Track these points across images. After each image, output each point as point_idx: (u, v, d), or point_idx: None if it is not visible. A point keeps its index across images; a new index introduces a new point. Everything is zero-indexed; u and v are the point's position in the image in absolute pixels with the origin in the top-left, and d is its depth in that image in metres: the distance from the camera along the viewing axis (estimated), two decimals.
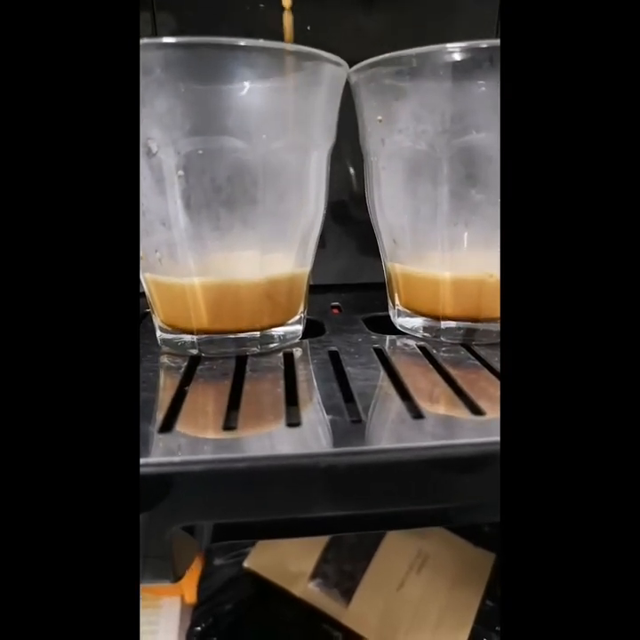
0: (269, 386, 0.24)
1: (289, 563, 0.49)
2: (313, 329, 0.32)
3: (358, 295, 0.40)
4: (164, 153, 0.24)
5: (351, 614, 0.47)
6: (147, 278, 0.28)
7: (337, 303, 0.38)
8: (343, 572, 0.49)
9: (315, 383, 0.24)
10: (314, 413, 0.21)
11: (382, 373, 0.25)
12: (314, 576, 0.48)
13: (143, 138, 0.24)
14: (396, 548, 0.51)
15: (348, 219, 0.44)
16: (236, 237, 0.25)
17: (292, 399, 0.23)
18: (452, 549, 0.51)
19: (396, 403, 0.22)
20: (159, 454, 0.19)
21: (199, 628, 0.48)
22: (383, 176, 0.29)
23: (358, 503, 0.19)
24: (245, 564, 0.49)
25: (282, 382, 0.24)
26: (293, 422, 0.21)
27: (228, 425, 0.20)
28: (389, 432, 0.20)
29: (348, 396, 0.23)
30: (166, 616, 0.51)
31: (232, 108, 0.23)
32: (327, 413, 0.21)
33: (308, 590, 0.48)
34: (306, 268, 0.29)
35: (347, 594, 0.48)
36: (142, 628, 0.49)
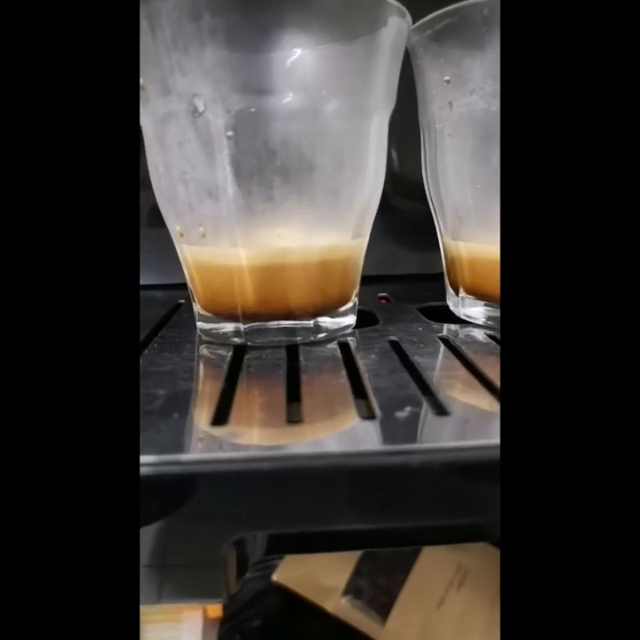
0: (330, 376, 0.21)
1: (320, 576, 0.47)
2: (364, 319, 0.29)
3: (404, 286, 0.38)
4: (211, 111, 0.21)
5: (388, 633, 0.44)
6: (186, 258, 0.25)
7: (384, 294, 0.35)
8: (378, 588, 0.46)
9: (381, 373, 0.21)
10: (388, 405, 0.18)
11: (456, 363, 0.22)
12: (347, 591, 0.46)
13: (188, 95, 0.21)
14: (434, 563, 0.47)
15: (388, 207, 0.42)
16: (289, 209, 0.23)
17: (359, 390, 0.20)
18: (493, 563, 0.48)
19: (482, 394, 0.19)
20: (210, 450, 0.16)
21: None
22: (449, 144, 0.26)
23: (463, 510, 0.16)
24: (274, 578, 0.46)
25: (343, 372, 0.21)
26: (367, 415, 0.18)
27: (293, 418, 0.17)
28: (486, 426, 0.17)
29: (424, 387, 0.20)
30: (188, 631, 0.48)
31: (288, 59, 0.21)
32: (404, 405, 0.18)
33: (342, 606, 0.45)
34: (362, 246, 0.26)
35: (382, 610, 0.45)
36: None
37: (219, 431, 0.17)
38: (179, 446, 0.16)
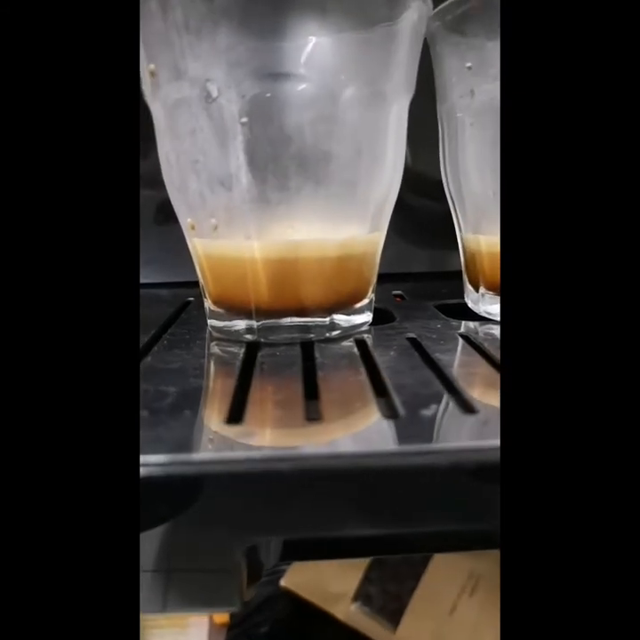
0: (348, 373, 0.20)
1: (329, 582, 0.46)
2: (380, 316, 0.28)
3: (418, 284, 0.37)
4: (225, 97, 0.20)
5: None
6: (198, 252, 0.24)
7: (399, 291, 0.34)
8: (388, 594, 0.45)
9: (402, 370, 0.20)
10: (411, 403, 0.17)
11: (479, 360, 0.21)
12: (356, 597, 0.45)
13: (201, 80, 0.20)
14: (446, 570, 0.46)
15: (401, 204, 0.41)
16: (304, 200, 0.22)
17: (379, 388, 0.19)
18: None
19: None
20: (224, 449, 0.15)
21: None
22: (470, 134, 0.25)
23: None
24: (282, 583, 0.45)
25: (362, 369, 0.20)
26: (390, 413, 0.17)
27: (312, 416, 0.16)
28: None
29: (448, 385, 0.19)
30: (194, 636, 0.47)
31: (306, 42, 0.20)
32: (429, 403, 0.17)
33: (351, 613, 0.44)
34: (379, 241, 0.25)
35: (393, 617, 0.44)
36: None
37: (233, 430, 0.16)
38: (190, 445, 0.15)
